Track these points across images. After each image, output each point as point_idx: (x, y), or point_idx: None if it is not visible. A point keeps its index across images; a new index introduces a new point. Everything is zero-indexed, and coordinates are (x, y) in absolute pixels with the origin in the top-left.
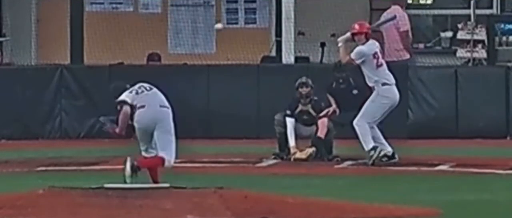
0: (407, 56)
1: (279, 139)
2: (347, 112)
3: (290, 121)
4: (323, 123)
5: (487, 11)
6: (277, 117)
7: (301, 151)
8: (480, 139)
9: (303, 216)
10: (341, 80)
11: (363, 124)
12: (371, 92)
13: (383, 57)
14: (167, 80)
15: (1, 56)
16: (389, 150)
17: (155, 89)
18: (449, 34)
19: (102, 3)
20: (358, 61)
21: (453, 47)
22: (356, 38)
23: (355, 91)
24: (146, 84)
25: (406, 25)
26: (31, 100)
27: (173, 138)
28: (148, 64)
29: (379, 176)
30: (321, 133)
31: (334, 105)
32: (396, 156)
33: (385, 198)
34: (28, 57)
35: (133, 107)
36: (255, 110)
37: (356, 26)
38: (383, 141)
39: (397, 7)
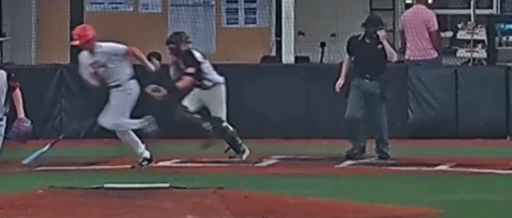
0: (435, 55)
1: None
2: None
3: None
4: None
5: (487, 11)
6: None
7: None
8: (480, 139)
9: (303, 216)
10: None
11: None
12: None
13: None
14: (167, 80)
15: (1, 56)
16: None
17: None
18: (449, 34)
19: (102, 3)
20: None
21: (453, 47)
22: None
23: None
24: None
25: (435, 25)
26: (31, 100)
27: None
28: None
29: (379, 176)
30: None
31: None
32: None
33: (385, 198)
34: (28, 57)
35: None
36: (255, 110)
37: None
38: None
39: (421, 5)
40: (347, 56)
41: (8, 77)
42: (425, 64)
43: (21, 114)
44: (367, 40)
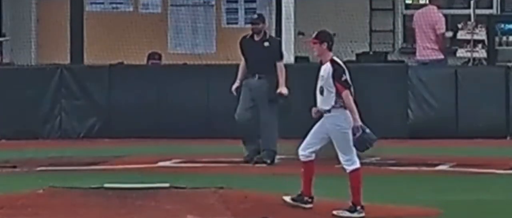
0: (442, 56)
1: None
2: None
3: None
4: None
5: (487, 11)
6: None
7: None
8: (480, 139)
9: (303, 216)
10: None
11: None
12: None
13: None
14: (167, 80)
15: (1, 56)
16: None
17: None
18: (449, 34)
19: (102, 3)
20: None
21: (453, 47)
22: None
23: None
24: None
25: (443, 28)
26: (31, 100)
27: None
28: (148, 64)
29: (379, 176)
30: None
31: None
32: None
33: (385, 198)
34: (28, 57)
35: None
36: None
37: None
38: None
39: (433, 7)
40: (243, 57)
41: None
42: (431, 65)
43: None
44: (256, 39)
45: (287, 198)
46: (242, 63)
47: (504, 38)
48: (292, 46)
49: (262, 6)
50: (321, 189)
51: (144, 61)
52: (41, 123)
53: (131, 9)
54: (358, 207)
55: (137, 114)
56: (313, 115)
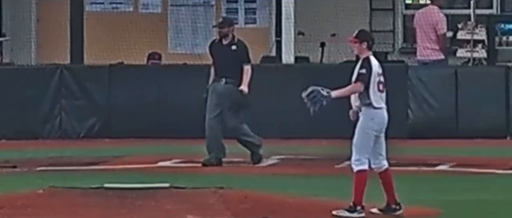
0: (442, 56)
1: None
2: None
3: None
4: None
5: (487, 11)
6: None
7: None
8: (480, 139)
9: (303, 216)
10: None
11: None
12: None
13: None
14: (167, 80)
15: (1, 56)
16: None
17: None
18: (449, 34)
19: (102, 3)
20: None
21: (453, 47)
22: None
23: None
24: None
25: (443, 28)
26: (31, 100)
27: None
28: (148, 64)
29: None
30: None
31: None
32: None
33: (385, 198)
34: (28, 57)
35: None
36: (255, 110)
37: None
38: None
39: (434, 6)
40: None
41: None
42: (431, 65)
43: None
44: (224, 42)
45: (375, 210)
46: (212, 67)
47: (504, 38)
48: (292, 46)
49: (262, 6)
50: (321, 189)
51: (144, 61)
52: (41, 123)
53: (131, 9)
54: (358, 207)
55: (137, 114)
56: (351, 117)
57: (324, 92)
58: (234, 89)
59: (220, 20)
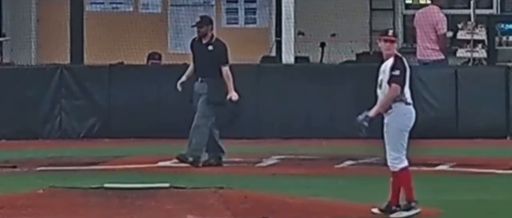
0: (442, 56)
1: None
2: None
3: None
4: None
5: (487, 11)
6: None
7: None
8: (480, 139)
9: (303, 216)
10: None
11: None
12: None
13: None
14: (167, 80)
15: (1, 56)
16: None
17: None
18: (449, 34)
19: (102, 3)
20: None
21: (453, 47)
22: None
23: None
24: None
25: (444, 28)
26: (31, 100)
27: None
28: (148, 64)
29: (379, 176)
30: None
31: None
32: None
33: (385, 198)
34: (28, 57)
35: None
36: (255, 110)
37: None
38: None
39: (434, 6)
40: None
41: None
42: (431, 65)
43: None
44: (203, 41)
45: (375, 210)
46: (192, 64)
47: (504, 38)
48: (292, 46)
49: (262, 6)
50: (321, 189)
51: (144, 61)
52: (41, 123)
53: (131, 9)
54: (413, 203)
55: (137, 114)
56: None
57: (361, 116)
58: (210, 89)
59: (198, 19)
